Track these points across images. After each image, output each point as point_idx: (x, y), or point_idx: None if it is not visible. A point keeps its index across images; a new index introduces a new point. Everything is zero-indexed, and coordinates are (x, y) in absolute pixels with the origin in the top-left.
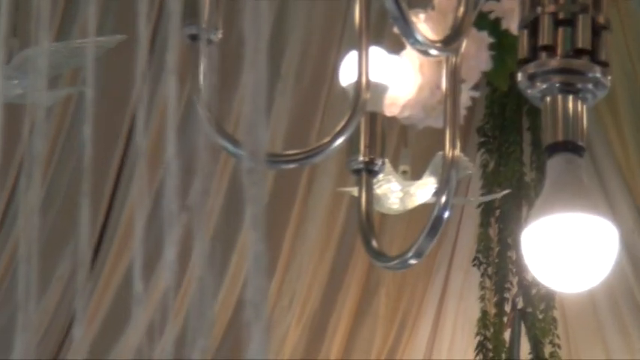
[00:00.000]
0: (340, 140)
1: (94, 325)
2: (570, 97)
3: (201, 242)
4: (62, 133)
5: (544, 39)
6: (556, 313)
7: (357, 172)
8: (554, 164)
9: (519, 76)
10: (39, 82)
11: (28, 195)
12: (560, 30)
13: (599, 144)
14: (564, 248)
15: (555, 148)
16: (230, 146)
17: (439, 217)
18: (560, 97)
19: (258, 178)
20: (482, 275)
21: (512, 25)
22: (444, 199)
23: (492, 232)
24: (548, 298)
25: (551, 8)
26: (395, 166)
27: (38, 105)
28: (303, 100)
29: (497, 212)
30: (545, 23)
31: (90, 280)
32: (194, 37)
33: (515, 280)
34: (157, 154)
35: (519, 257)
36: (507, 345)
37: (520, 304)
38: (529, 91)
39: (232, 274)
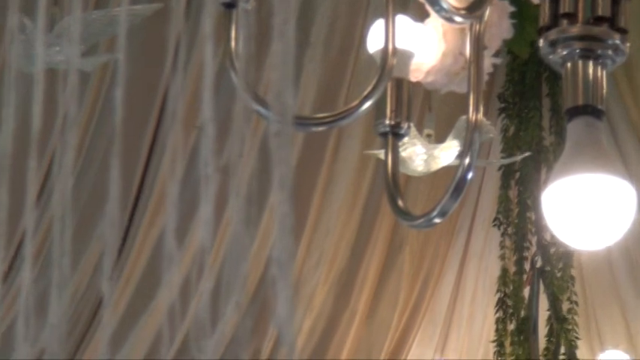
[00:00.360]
0: (367, 104)
1: (129, 284)
2: (590, 63)
3: (236, 201)
4: (100, 100)
5: (565, 7)
6: (573, 272)
7: (384, 135)
8: (574, 127)
9: (541, 43)
10: (73, 49)
11: (63, 157)
12: None
13: (616, 108)
14: (583, 207)
15: (575, 111)
16: (262, 110)
17: (462, 179)
18: (580, 62)
19: (285, 141)
20: (503, 235)
21: None
22: (467, 161)
23: (512, 194)
24: (566, 257)
25: None
26: (419, 130)
27: (73, 70)
28: (331, 68)
29: (517, 175)
30: None
31: (126, 241)
32: (228, 5)
33: (534, 240)
34: (191, 118)
35: (538, 218)
36: (526, 302)
37: (539, 263)
38: (550, 57)
39: (263, 233)
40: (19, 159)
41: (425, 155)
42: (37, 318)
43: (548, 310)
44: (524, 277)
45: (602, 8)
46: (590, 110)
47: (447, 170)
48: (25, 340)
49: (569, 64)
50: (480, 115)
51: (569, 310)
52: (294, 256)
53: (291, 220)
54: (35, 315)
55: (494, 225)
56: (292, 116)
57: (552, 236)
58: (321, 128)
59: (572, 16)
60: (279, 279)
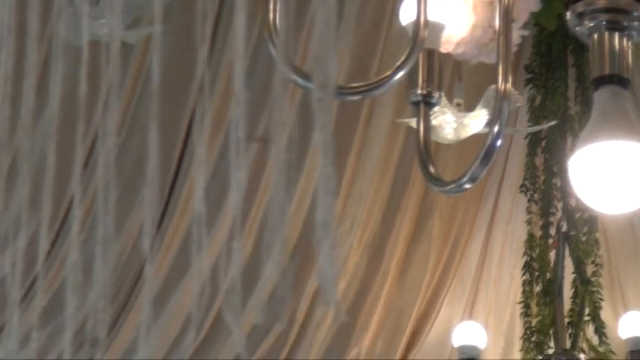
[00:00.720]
0: (400, 74)
1: (171, 248)
2: (616, 34)
3: (276, 166)
4: (143, 70)
5: None
6: (598, 236)
7: (416, 104)
8: (601, 96)
9: (568, 15)
10: (117, 21)
11: (106, 121)
12: None
13: (638, 78)
14: (608, 173)
15: (602, 80)
16: (300, 79)
17: (492, 146)
18: (606, 34)
19: (326, 107)
20: (529, 201)
21: None
22: (496, 128)
23: (539, 161)
24: (591, 222)
25: None
26: (449, 99)
27: (116, 42)
28: (363, 40)
29: (544, 143)
30: None
31: (168, 206)
32: None
33: (559, 206)
34: (229, 91)
35: (564, 184)
36: (552, 265)
37: (564, 228)
38: (577, 29)
39: (300, 196)
40: (66, 128)
41: (454, 123)
42: (83, 281)
43: (573, 272)
44: (550, 241)
45: None
46: (616, 79)
47: (475, 138)
48: (73, 300)
49: (595, 36)
50: (509, 85)
51: (594, 273)
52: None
53: (333, 183)
54: (83, 276)
55: (521, 191)
56: (334, 82)
57: (577, 202)
58: (355, 97)
59: None
60: (323, 240)
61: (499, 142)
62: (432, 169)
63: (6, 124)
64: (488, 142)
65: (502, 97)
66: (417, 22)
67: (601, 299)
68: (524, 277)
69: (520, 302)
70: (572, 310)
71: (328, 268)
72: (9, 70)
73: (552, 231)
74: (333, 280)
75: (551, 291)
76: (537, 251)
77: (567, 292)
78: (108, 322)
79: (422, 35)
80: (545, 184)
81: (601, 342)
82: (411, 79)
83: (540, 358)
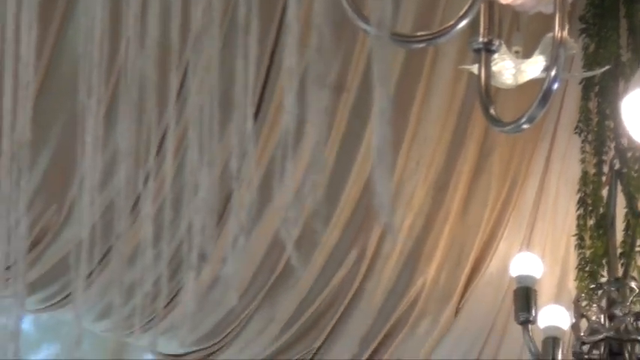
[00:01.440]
0: (463, 23)
1: (261, 165)
2: None
3: (345, 112)
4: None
5: None
6: None
7: (477, 51)
8: None
9: None
10: None
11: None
12: None
13: None
14: None
15: None
16: (365, 25)
17: (549, 89)
18: None
19: (383, 42)
20: (583, 141)
21: None
22: (553, 72)
23: (592, 105)
24: None
25: None
26: (508, 47)
27: None
28: None
29: (597, 88)
30: None
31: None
32: None
33: (612, 145)
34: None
35: (616, 126)
36: (605, 200)
37: (617, 165)
38: None
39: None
40: (159, 65)
41: (513, 69)
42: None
43: (625, 207)
44: (603, 178)
45: None
46: None
47: (532, 83)
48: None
49: None
50: (565, 33)
51: None
52: (391, 145)
53: (389, 113)
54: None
55: (576, 132)
56: (389, 19)
57: (629, 141)
58: (421, 45)
59: None
60: (378, 164)
61: (556, 86)
62: (492, 111)
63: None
64: (546, 85)
65: (559, 43)
66: None
67: None
68: (579, 212)
69: (575, 235)
70: (624, 241)
71: (384, 189)
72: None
73: (605, 169)
74: (387, 199)
75: (604, 224)
76: (591, 188)
77: (619, 226)
78: (215, 238)
79: None
80: (598, 125)
81: None
82: (472, 28)
83: (593, 286)
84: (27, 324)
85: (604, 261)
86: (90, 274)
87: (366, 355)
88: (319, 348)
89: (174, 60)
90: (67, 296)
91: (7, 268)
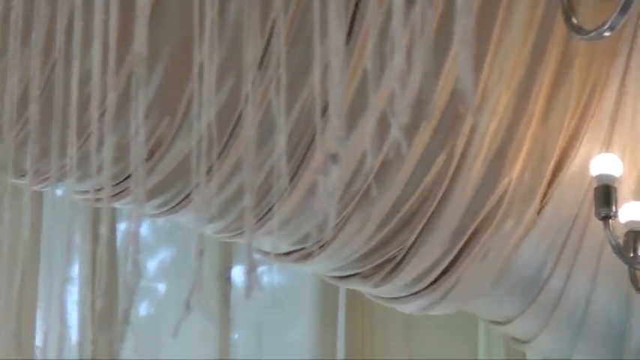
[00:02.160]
0: None
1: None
2: None
3: (422, 44)
4: None
5: None
6: None
7: None
8: None
9: None
10: None
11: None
12: None
13: None
14: None
15: None
16: None
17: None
18: None
19: None
20: None
21: None
22: None
23: None
24: None
25: None
26: None
27: None
28: None
29: None
30: None
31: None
32: None
33: None
34: None
35: None
36: None
37: None
38: None
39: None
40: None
41: None
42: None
43: None
44: None
45: None
46: None
47: None
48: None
49: None
50: None
51: None
52: (474, 35)
53: (470, 36)
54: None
55: None
56: None
57: None
58: None
59: None
60: (462, 51)
61: None
62: (574, 20)
63: None
64: None
65: None
66: None
67: None
68: None
69: None
70: None
71: (467, 74)
72: None
73: None
74: (470, 85)
75: None
76: None
77: None
78: (344, 139)
79: None
80: None
81: None
82: None
83: None
84: (144, 229)
85: None
86: (209, 171)
87: (457, 249)
88: (413, 243)
89: None
90: (182, 200)
91: (127, 177)
